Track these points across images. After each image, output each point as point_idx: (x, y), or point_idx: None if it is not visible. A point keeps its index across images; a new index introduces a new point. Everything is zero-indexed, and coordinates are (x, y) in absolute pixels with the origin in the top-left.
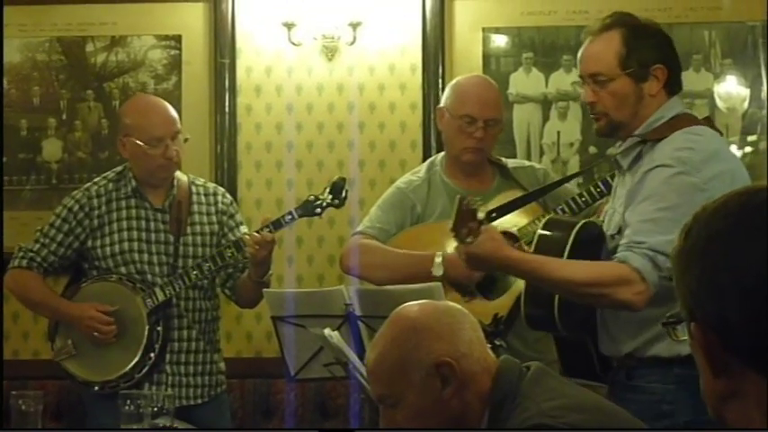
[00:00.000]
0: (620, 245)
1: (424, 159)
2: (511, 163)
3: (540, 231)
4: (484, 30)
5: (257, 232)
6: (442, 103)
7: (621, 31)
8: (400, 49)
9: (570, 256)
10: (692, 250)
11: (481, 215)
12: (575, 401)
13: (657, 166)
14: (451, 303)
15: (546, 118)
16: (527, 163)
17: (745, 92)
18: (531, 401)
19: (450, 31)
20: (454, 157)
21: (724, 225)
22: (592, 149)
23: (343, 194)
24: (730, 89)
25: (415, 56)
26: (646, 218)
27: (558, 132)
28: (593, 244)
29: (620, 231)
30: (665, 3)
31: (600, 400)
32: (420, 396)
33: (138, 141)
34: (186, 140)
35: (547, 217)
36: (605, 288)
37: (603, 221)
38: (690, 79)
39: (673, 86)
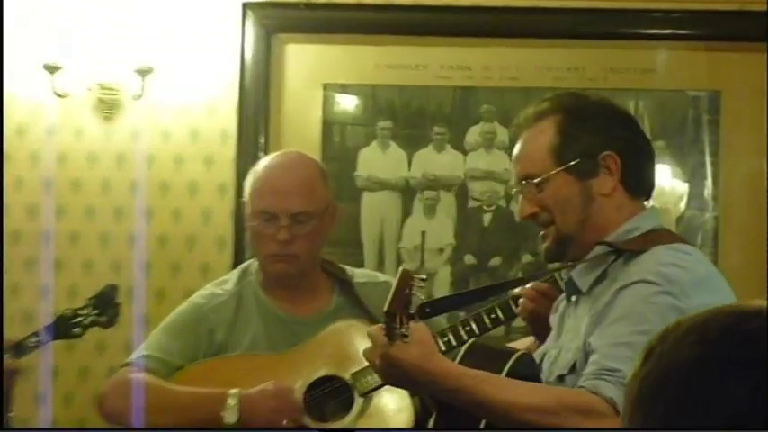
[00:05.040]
0: (587, 373)
1: (236, 265)
2: (358, 277)
3: (461, 358)
4: (325, 87)
5: None
6: (244, 193)
7: (557, 118)
8: (207, 107)
9: None
10: (648, 380)
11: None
12: None
13: (636, 282)
14: None
15: (407, 212)
16: (381, 277)
17: (682, 187)
18: None
19: (278, 86)
20: (263, 268)
21: (698, 354)
22: (468, 259)
23: (115, 308)
24: (662, 183)
25: (228, 118)
26: (620, 341)
27: (424, 233)
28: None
29: (573, 370)
30: (575, 60)
31: None
32: None
33: None
34: None
35: (469, 341)
36: (564, 418)
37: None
38: None
39: (634, 181)
